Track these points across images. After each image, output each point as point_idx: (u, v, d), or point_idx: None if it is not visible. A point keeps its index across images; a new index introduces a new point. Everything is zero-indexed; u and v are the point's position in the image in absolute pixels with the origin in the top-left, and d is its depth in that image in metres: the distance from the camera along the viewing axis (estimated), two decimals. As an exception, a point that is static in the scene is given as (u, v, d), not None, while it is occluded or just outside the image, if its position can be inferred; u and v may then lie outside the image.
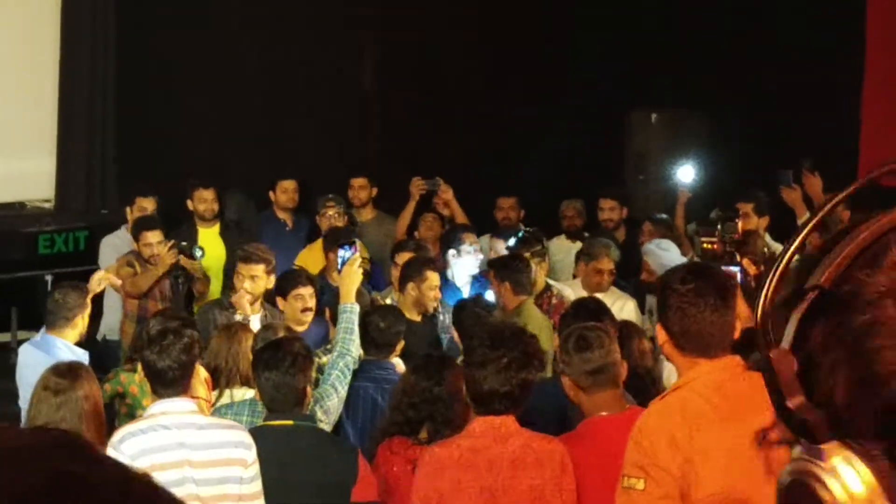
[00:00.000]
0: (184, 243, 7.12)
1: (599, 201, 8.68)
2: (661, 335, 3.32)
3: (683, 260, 6.70)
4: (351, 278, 5.51)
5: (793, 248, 1.11)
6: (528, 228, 7.92)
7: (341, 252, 5.83)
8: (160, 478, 3.83)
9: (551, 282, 7.03)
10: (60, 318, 5.76)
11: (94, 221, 9.08)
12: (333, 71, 10.20)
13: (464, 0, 10.49)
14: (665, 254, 7.04)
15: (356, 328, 5.33)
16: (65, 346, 5.64)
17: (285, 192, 8.67)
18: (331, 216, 7.97)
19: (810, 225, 1.11)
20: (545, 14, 10.32)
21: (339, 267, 5.85)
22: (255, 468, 4.01)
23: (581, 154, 10.22)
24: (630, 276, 7.51)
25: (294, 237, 8.48)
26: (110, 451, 3.82)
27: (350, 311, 5.38)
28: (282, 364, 4.39)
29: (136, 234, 7.33)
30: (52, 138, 9.55)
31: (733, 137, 9.61)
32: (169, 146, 9.45)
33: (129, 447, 3.82)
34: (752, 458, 2.85)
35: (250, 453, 3.99)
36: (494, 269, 6.60)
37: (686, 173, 9.11)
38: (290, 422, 4.36)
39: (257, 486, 4.01)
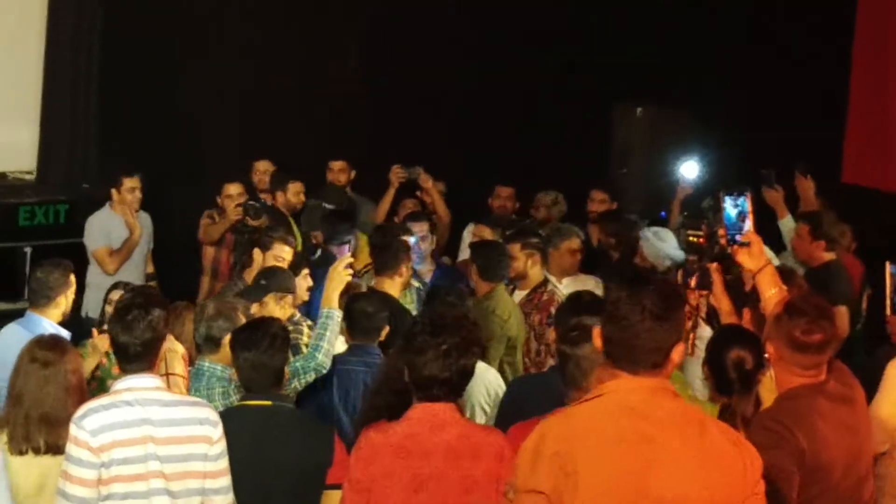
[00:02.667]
0: (251, 202, 7.73)
1: (591, 192, 8.66)
2: (597, 339, 3.06)
3: (679, 253, 6.67)
4: (333, 281, 5.14)
5: None
6: (522, 220, 7.92)
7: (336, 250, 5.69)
8: (122, 454, 3.81)
9: (550, 277, 6.93)
10: (42, 297, 5.82)
11: (74, 195, 9.03)
12: (320, 52, 10.15)
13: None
14: (661, 244, 7.05)
15: (329, 335, 5.07)
16: (49, 325, 5.68)
17: (266, 173, 8.67)
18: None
19: None
20: (533, 7, 10.26)
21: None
22: (222, 445, 3.95)
23: (565, 146, 10.19)
24: (596, 270, 7.35)
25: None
26: (72, 427, 3.81)
27: (326, 316, 5.11)
28: (260, 344, 4.38)
29: (220, 187, 8.03)
30: (36, 111, 9.47)
31: (718, 132, 9.59)
32: (152, 123, 9.38)
33: (90, 423, 3.78)
34: (639, 487, 2.79)
35: (216, 430, 3.94)
36: (471, 253, 6.63)
37: (690, 169, 8.81)
38: (268, 402, 4.34)
39: (223, 463, 3.96)
